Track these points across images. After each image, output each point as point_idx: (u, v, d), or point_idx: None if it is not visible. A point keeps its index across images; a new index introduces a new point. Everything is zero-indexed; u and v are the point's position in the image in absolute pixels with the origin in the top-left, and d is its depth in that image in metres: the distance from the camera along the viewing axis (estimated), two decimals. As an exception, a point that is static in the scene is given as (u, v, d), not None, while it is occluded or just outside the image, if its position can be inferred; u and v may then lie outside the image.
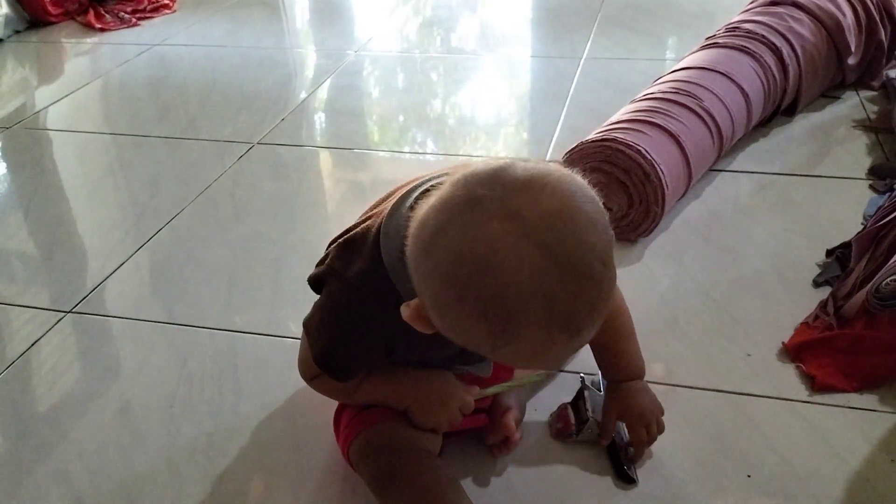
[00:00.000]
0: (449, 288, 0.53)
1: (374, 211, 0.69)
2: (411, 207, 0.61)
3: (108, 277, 1.14)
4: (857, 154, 1.37)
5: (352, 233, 0.69)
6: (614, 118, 1.21)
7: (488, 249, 0.51)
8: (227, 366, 0.96)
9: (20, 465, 0.83)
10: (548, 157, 1.41)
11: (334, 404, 0.82)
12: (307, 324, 0.72)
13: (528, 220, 0.51)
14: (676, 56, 1.81)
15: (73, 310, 1.07)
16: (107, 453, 0.84)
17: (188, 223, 1.27)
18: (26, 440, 0.87)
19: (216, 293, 1.09)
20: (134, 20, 2.32)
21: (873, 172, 1.29)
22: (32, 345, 1.01)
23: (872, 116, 1.49)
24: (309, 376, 0.76)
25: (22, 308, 1.09)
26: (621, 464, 0.79)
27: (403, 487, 0.70)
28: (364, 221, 0.69)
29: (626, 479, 0.78)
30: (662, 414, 0.80)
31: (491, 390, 0.78)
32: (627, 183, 1.10)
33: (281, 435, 0.85)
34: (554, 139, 1.48)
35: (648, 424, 0.78)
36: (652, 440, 0.79)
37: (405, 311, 0.58)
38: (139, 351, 0.99)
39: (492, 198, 0.52)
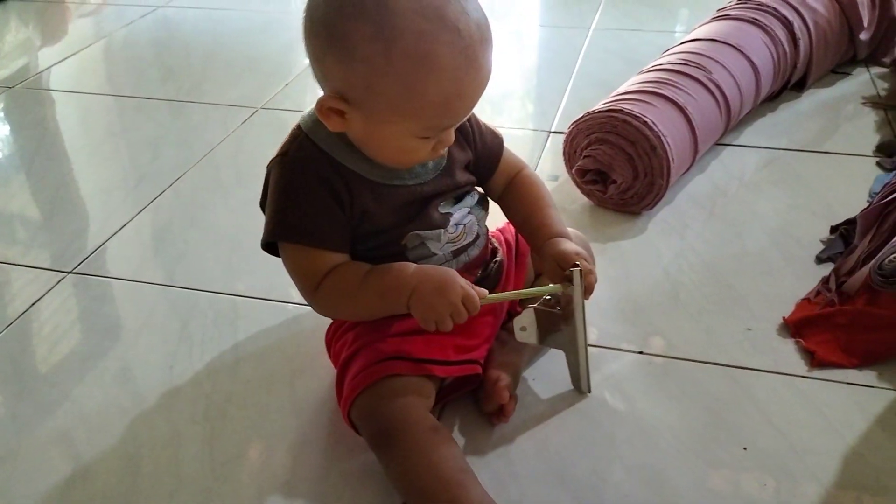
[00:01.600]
0: (329, 6, 0.63)
1: None
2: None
3: (109, 239, 1.14)
4: (865, 131, 1.35)
5: None
6: (622, 88, 1.20)
7: None
8: (228, 329, 0.96)
9: (21, 424, 0.84)
10: (553, 128, 1.40)
11: (332, 371, 0.82)
12: (266, 220, 0.75)
13: None
14: (686, 28, 1.79)
15: (74, 270, 1.07)
16: (107, 413, 0.85)
17: (190, 186, 1.27)
18: (26, 399, 0.87)
19: (217, 257, 1.09)
20: (138, -19, 2.29)
21: (881, 150, 1.28)
22: (33, 304, 1.01)
23: (883, 93, 1.48)
24: (311, 288, 0.75)
25: (23, 268, 1.09)
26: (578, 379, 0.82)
27: (403, 450, 0.70)
28: None
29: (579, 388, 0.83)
30: (594, 265, 0.81)
31: (494, 297, 0.76)
32: (633, 154, 1.09)
33: (280, 398, 0.85)
34: (560, 109, 1.47)
35: (590, 271, 0.77)
36: (590, 286, 0.77)
37: (319, 105, 0.68)
38: (140, 313, 1.00)
39: None
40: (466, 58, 0.64)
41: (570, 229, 0.86)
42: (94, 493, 0.76)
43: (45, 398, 0.87)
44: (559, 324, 0.79)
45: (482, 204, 0.83)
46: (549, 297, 0.79)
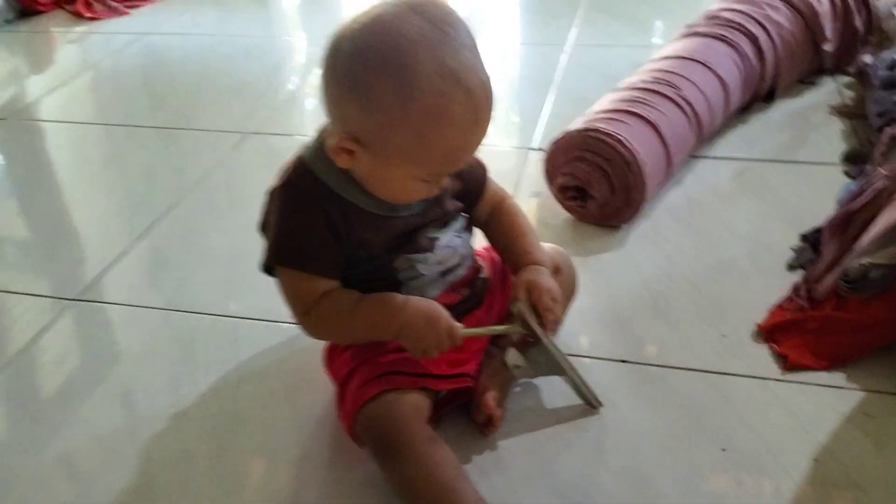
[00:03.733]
0: (355, 58, 0.68)
1: None
2: (321, 130, 0.78)
3: (109, 266, 1.18)
4: (832, 140, 1.41)
5: None
6: (596, 107, 1.25)
7: (381, 23, 0.68)
8: (229, 350, 1.00)
9: (33, 448, 0.88)
10: (534, 145, 1.45)
11: (330, 387, 0.87)
12: (266, 244, 0.80)
13: (412, 4, 0.69)
14: (660, 42, 1.85)
15: (78, 297, 1.11)
16: (118, 435, 0.89)
17: (185, 213, 1.31)
18: (38, 423, 0.91)
19: (215, 280, 1.14)
20: (122, 8, 2.33)
21: (847, 158, 1.34)
22: (39, 331, 1.05)
23: (849, 102, 1.54)
24: (302, 311, 0.79)
25: (28, 296, 1.13)
26: (583, 396, 0.87)
27: (404, 459, 0.75)
28: None
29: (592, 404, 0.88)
30: (565, 300, 0.88)
31: (473, 331, 0.82)
32: (609, 171, 1.15)
33: (282, 414, 0.90)
34: (539, 125, 1.52)
35: (554, 300, 0.83)
36: (556, 315, 0.84)
37: (329, 143, 0.73)
38: (143, 337, 1.04)
39: (382, 3, 0.70)
40: (474, 116, 0.70)
41: (551, 245, 0.92)
42: (109, 511, 0.80)
43: (55, 421, 0.91)
44: (542, 353, 0.85)
45: (469, 228, 0.88)
46: (523, 332, 0.84)
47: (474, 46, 0.71)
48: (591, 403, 0.88)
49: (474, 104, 0.70)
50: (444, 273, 0.84)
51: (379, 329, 0.79)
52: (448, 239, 0.84)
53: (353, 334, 0.82)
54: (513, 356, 0.86)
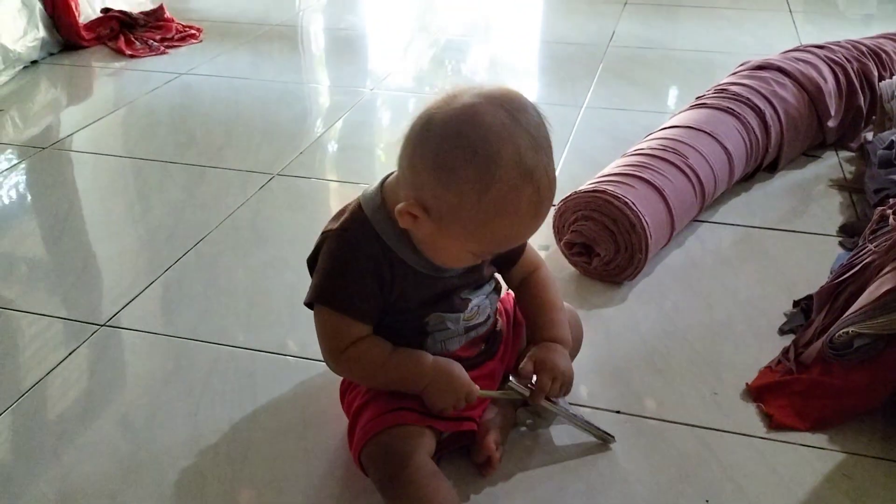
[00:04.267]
0: (445, 140, 0.74)
1: None
2: (382, 181, 0.84)
3: (138, 295, 1.25)
4: (831, 212, 1.48)
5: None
6: (606, 170, 1.33)
7: (472, 112, 0.74)
8: (246, 381, 1.06)
9: (61, 466, 0.93)
10: (545, 201, 1.52)
11: (344, 420, 0.92)
12: (313, 282, 0.86)
13: (497, 97, 0.75)
14: (672, 107, 1.94)
15: (107, 323, 1.18)
16: (137, 455, 0.94)
17: (212, 248, 1.38)
18: (65, 441, 0.97)
19: (236, 314, 1.20)
20: (162, 48, 2.45)
21: (843, 230, 1.40)
22: (69, 354, 1.12)
23: (849, 176, 1.61)
24: (334, 351, 0.86)
25: (59, 320, 1.19)
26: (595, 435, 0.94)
27: (408, 492, 0.80)
28: None
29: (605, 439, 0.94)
30: (571, 382, 0.92)
31: (489, 393, 0.91)
32: (615, 231, 1.21)
33: (294, 446, 0.95)
34: (552, 184, 1.59)
35: (555, 378, 0.89)
36: (553, 393, 0.90)
37: (400, 207, 0.77)
38: (166, 363, 1.10)
39: (467, 91, 0.76)
40: (537, 211, 0.77)
41: (565, 304, 0.99)
42: (128, 525, 0.85)
43: (82, 440, 0.97)
44: (545, 410, 0.93)
45: (497, 290, 0.95)
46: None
47: (551, 148, 0.77)
48: (604, 439, 0.95)
49: (539, 200, 0.75)
50: (469, 329, 0.91)
51: (406, 384, 0.86)
52: (479, 300, 0.91)
53: (378, 382, 0.88)
54: (522, 415, 0.96)
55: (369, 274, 0.83)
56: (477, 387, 0.88)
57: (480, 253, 0.82)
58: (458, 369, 0.86)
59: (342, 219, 0.85)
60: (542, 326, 0.94)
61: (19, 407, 1.02)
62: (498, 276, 0.96)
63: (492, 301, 0.93)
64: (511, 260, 0.95)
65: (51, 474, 0.92)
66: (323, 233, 0.86)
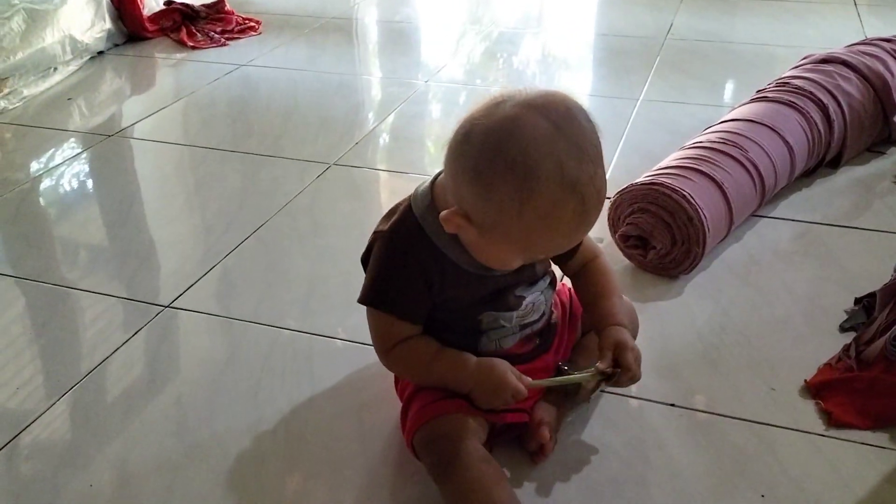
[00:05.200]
0: (483, 154, 0.72)
1: None
2: (433, 180, 0.83)
3: (199, 279, 1.28)
4: (895, 209, 1.44)
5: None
6: (663, 163, 1.31)
7: (512, 124, 0.72)
8: (304, 364, 1.08)
9: (121, 437, 0.97)
10: (600, 194, 1.51)
11: (398, 404, 0.94)
12: (364, 284, 0.86)
13: (540, 105, 0.73)
14: (730, 102, 1.91)
15: (171, 305, 1.22)
16: (199, 432, 0.97)
17: (271, 234, 1.41)
18: (133, 417, 1.00)
19: (295, 299, 1.23)
20: (223, 40, 2.50)
21: (908, 228, 1.37)
22: (135, 333, 1.16)
23: (915, 173, 1.57)
24: (386, 348, 0.87)
25: (126, 300, 1.24)
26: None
27: (459, 476, 0.81)
28: None
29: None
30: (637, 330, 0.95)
31: (540, 382, 0.89)
32: (671, 224, 1.20)
33: (350, 428, 0.97)
34: (607, 176, 1.58)
35: (636, 359, 0.88)
36: (635, 374, 0.88)
37: (444, 215, 0.77)
38: (228, 345, 1.13)
39: (511, 98, 0.74)
40: (583, 221, 0.76)
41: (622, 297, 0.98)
42: (191, 500, 0.88)
43: (146, 417, 1.00)
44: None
45: (552, 285, 0.94)
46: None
47: (598, 155, 0.74)
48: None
49: (585, 211, 0.74)
50: (523, 326, 0.91)
51: (450, 386, 0.87)
52: (534, 297, 0.90)
53: (425, 381, 0.89)
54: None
55: (417, 277, 0.83)
56: (528, 380, 0.87)
57: (528, 257, 0.82)
58: (502, 371, 0.85)
59: (392, 219, 0.85)
60: (607, 312, 0.92)
61: (85, 384, 1.06)
62: (554, 267, 0.96)
63: (547, 297, 0.92)
64: (567, 255, 0.94)
65: (115, 448, 0.96)
66: (374, 232, 0.86)
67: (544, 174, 0.71)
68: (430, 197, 0.82)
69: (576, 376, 0.90)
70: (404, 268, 0.84)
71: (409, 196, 0.86)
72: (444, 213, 0.78)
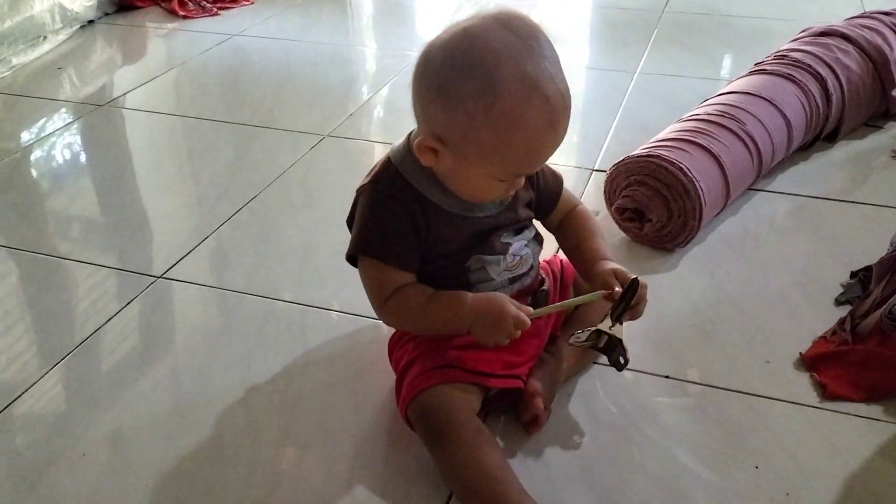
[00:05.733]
0: (444, 67, 0.75)
1: None
2: (409, 134, 0.85)
3: (192, 250, 1.27)
4: (892, 183, 1.44)
5: None
6: (660, 136, 1.30)
7: (467, 34, 0.75)
8: (298, 334, 1.08)
9: (123, 407, 0.97)
10: (596, 166, 1.50)
11: (392, 374, 0.93)
12: (352, 236, 0.87)
13: (493, 14, 0.76)
14: (728, 76, 1.89)
15: (164, 276, 1.21)
16: (194, 403, 0.97)
17: (263, 206, 1.40)
18: (124, 387, 1.00)
19: (289, 270, 1.22)
20: (214, 10, 2.46)
21: (905, 202, 1.36)
22: (128, 303, 1.15)
23: (912, 147, 1.56)
24: (382, 299, 0.86)
25: (119, 271, 1.22)
26: (617, 359, 0.89)
27: (453, 446, 0.81)
28: None
29: (619, 366, 0.89)
30: None
31: (543, 310, 0.89)
32: (668, 197, 1.19)
33: (344, 398, 0.97)
34: (603, 149, 1.58)
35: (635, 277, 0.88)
36: (643, 293, 0.88)
37: (417, 143, 0.79)
38: (221, 316, 1.12)
39: (464, 18, 0.77)
40: (549, 122, 0.76)
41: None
42: (183, 469, 0.88)
43: (139, 387, 1.00)
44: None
45: (538, 239, 0.94)
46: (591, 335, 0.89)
47: (556, 59, 0.77)
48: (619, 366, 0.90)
49: (551, 110, 0.75)
50: (513, 280, 0.91)
51: (451, 326, 0.86)
52: (519, 247, 0.90)
53: (425, 327, 0.89)
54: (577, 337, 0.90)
55: (404, 221, 0.84)
56: (528, 309, 0.85)
57: (505, 177, 0.82)
58: (500, 299, 0.84)
59: (373, 172, 0.87)
60: (594, 251, 0.93)
61: (78, 354, 1.05)
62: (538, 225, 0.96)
63: (533, 250, 0.92)
64: (549, 203, 0.95)
65: (108, 418, 0.95)
66: (357, 190, 0.88)
67: (504, 74, 0.73)
68: (407, 148, 0.84)
69: (578, 299, 0.90)
70: (390, 213, 0.84)
71: (387, 152, 0.88)
72: (416, 141, 0.80)
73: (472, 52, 0.74)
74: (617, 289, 0.87)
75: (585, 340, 0.89)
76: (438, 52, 0.76)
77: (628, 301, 0.86)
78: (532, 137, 0.77)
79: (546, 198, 0.94)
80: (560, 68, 0.77)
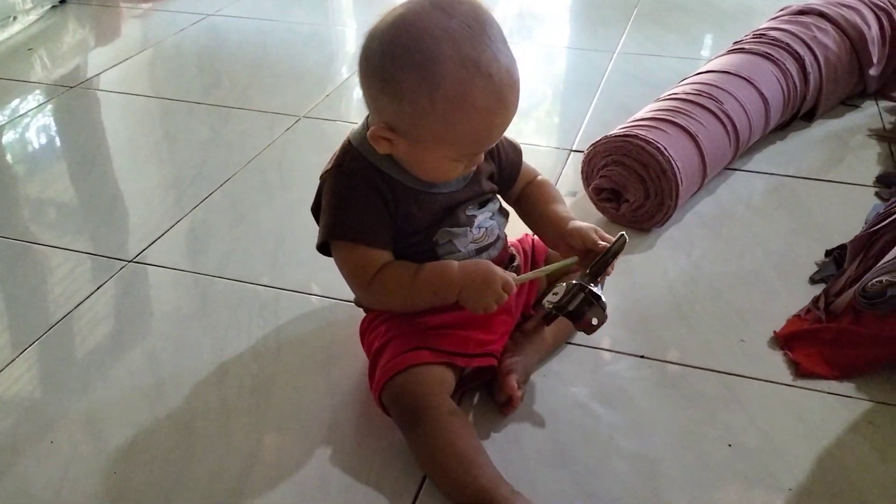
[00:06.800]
0: (384, 58, 0.75)
1: None
2: (367, 116, 0.84)
3: (165, 233, 1.25)
4: (868, 162, 1.44)
5: None
6: (638, 115, 1.30)
7: (403, 20, 0.74)
8: (271, 318, 1.07)
9: (92, 392, 0.95)
10: (574, 146, 1.50)
11: (363, 360, 0.93)
12: (322, 223, 0.86)
13: (434, 1, 0.74)
14: (708, 55, 1.89)
15: (134, 260, 1.19)
16: (164, 386, 0.96)
17: (239, 188, 1.38)
18: (94, 372, 0.98)
19: (262, 253, 1.20)
20: (189, -11, 2.42)
21: (880, 180, 1.37)
22: (98, 287, 1.13)
23: (888, 126, 1.56)
24: (363, 282, 0.85)
25: (89, 255, 1.21)
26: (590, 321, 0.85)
27: (427, 429, 0.80)
28: None
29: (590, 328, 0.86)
30: None
31: (525, 276, 0.90)
32: (645, 176, 1.19)
33: (317, 382, 0.96)
34: (581, 130, 1.57)
35: (602, 235, 0.88)
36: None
37: (370, 133, 0.79)
38: (192, 300, 1.11)
39: (400, 4, 0.76)
40: (497, 99, 0.75)
41: None
42: (154, 454, 0.86)
43: (110, 372, 0.98)
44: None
45: (502, 212, 0.94)
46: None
47: (498, 36, 0.75)
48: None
49: (496, 88, 0.75)
50: (479, 251, 0.90)
51: (439, 296, 0.85)
52: (484, 219, 0.90)
53: (413, 302, 0.87)
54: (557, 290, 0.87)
55: (374, 199, 0.83)
56: (513, 275, 0.85)
57: (461, 157, 0.81)
58: (486, 263, 0.84)
59: (335, 157, 0.86)
60: (559, 215, 0.93)
61: (48, 339, 1.04)
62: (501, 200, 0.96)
63: (499, 222, 0.93)
64: (511, 175, 0.95)
65: (79, 404, 0.94)
66: (321, 177, 0.87)
67: (443, 58, 0.72)
68: (366, 129, 0.83)
69: (557, 264, 0.89)
70: (359, 194, 0.83)
71: (347, 135, 0.88)
72: (369, 131, 0.80)
73: (409, 39, 0.73)
74: (602, 243, 0.86)
75: (562, 297, 0.85)
76: (377, 41, 0.76)
77: (609, 258, 0.85)
78: (481, 118, 0.76)
79: (508, 169, 0.94)
80: (505, 45, 0.76)
